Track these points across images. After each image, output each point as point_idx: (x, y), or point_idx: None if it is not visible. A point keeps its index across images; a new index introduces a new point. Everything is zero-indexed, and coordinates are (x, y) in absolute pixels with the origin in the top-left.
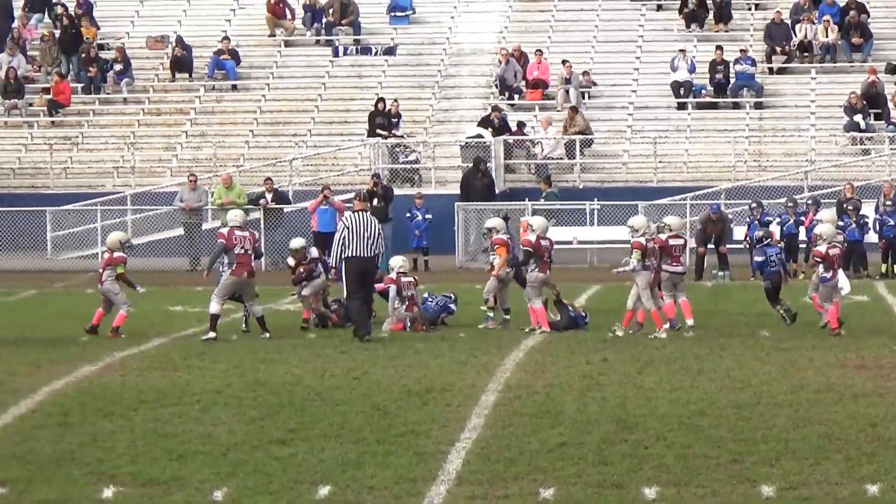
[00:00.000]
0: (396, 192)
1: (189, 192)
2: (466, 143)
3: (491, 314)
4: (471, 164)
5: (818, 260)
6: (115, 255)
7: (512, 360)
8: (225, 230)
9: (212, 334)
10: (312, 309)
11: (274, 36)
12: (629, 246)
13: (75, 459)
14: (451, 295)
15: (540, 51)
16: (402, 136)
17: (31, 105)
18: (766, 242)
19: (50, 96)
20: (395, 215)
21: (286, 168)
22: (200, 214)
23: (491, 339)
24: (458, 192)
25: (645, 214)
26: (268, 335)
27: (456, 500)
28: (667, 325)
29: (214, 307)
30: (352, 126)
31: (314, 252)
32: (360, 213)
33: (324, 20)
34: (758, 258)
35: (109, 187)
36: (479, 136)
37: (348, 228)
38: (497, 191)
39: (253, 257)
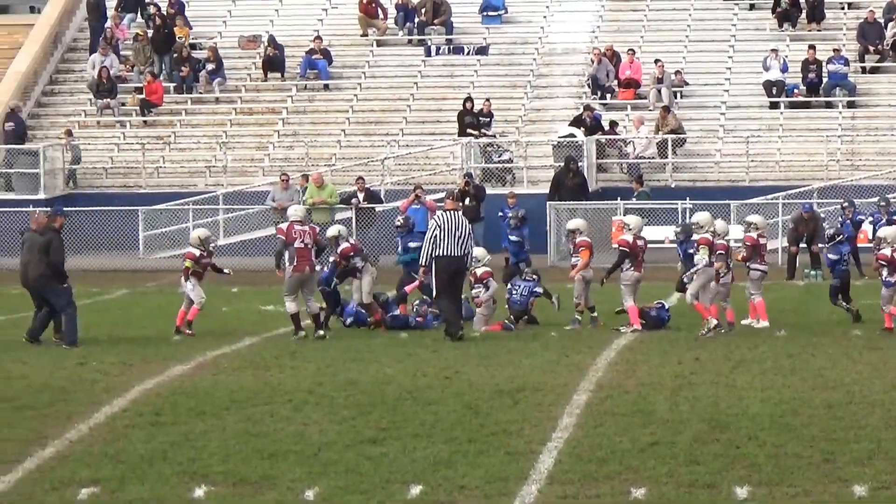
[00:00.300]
0: (489, 191)
1: (281, 191)
2: (558, 142)
3: (579, 317)
4: (562, 164)
5: (882, 263)
6: (188, 250)
7: (604, 359)
8: (284, 225)
9: (301, 333)
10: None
11: (366, 35)
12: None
13: (167, 458)
14: (535, 277)
15: (632, 50)
16: (494, 136)
17: (123, 105)
18: (838, 240)
19: (142, 96)
20: (487, 215)
21: (378, 167)
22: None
23: (583, 339)
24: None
25: (737, 214)
26: (321, 333)
27: (547, 499)
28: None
29: (290, 306)
30: (444, 125)
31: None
32: (452, 212)
33: (416, 20)
34: (831, 256)
35: (201, 187)
36: (572, 135)
37: (440, 227)
38: (589, 190)
39: (314, 252)
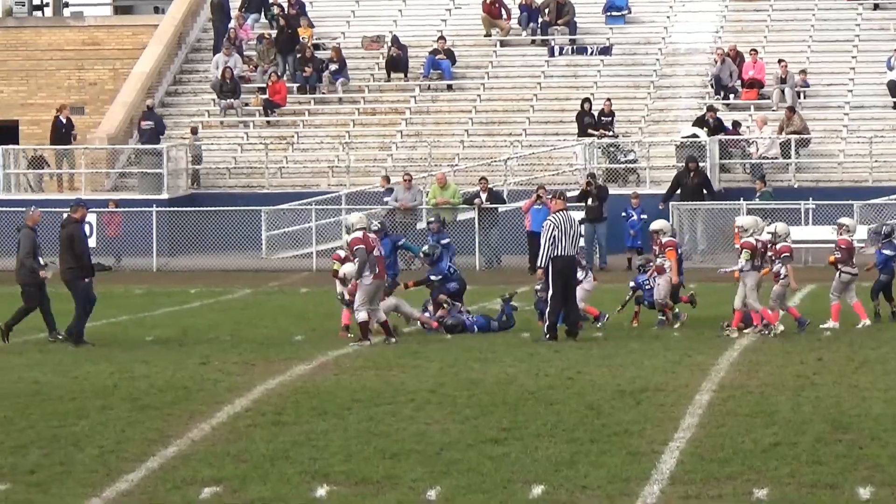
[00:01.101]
0: (612, 191)
1: (403, 191)
2: (681, 142)
3: (663, 318)
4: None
5: None
6: (335, 252)
7: (726, 359)
8: (359, 234)
9: (366, 342)
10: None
11: (489, 36)
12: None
13: (289, 458)
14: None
15: (755, 50)
16: (616, 136)
17: (246, 105)
18: (892, 238)
19: (266, 96)
20: (611, 215)
21: (501, 167)
22: (415, 214)
23: (705, 339)
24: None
25: (860, 214)
26: (393, 340)
27: (669, 499)
28: (781, 327)
29: (362, 315)
30: (567, 126)
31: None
32: (563, 212)
33: (539, 20)
34: (887, 252)
35: (324, 187)
36: (694, 135)
37: (558, 228)
38: (714, 189)
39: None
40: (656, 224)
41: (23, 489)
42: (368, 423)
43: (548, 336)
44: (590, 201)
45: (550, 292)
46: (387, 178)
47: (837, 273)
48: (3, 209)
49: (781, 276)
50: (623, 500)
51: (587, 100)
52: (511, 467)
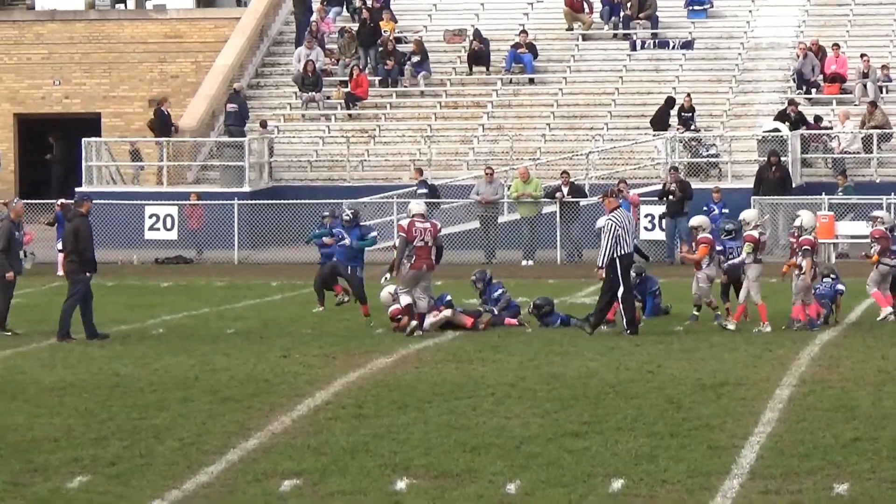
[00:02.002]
0: (694, 186)
1: (486, 185)
2: (763, 137)
3: (696, 313)
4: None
5: None
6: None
7: (807, 354)
8: (405, 222)
9: (413, 323)
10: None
11: (571, 29)
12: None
13: (369, 451)
14: (834, 275)
15: (838, 45)
16: (698, 130)
17: (328, 98)
18: None
19: (347, 89)
20: (693, 209)
21: (582, 161)
22: (497, 207)
23: (785, 333)
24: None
25: None
26: (417, 329)
27: (749, 494)
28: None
29: (405, 299)
30: (648, 120)
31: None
32: (620, 209)
33: (621, 14)
34: None
35: (406, 180)
36: (776, 130)
37: (621, 226)
38: (793, 185)
39: (434, 251)
40: (695, 220)
41: (103, 481)
42: (449, 417)
43: (629, 331)
44: (671, 196)
45: (622, 289)
46: (419, 171)
47: (875, 265)
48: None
49: (801, 270)
50: (703, 494)
51: (671, 99)
52: (591, 461)
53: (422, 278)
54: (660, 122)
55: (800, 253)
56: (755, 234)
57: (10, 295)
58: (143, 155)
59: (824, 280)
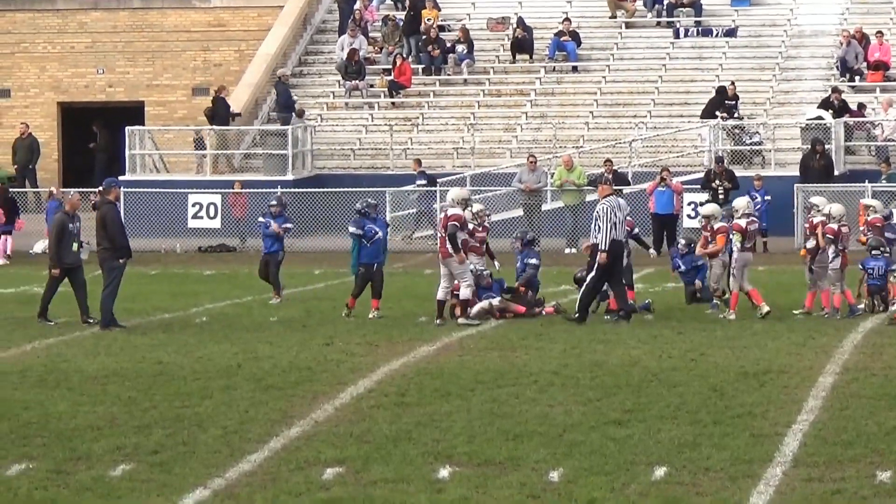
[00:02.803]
0: (738, 173)
1: (528, 173)
2: (806, 124)
3: (718, 302)
4: (809, 146)
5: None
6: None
7: (850, 341)
8: (454, 210)
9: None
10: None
11: (615, 17)
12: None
13: (412, 439)
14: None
15: (881, 32)
16: (741, 118)
17: (371, 86)
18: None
19: (391, 77)
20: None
21: (626, 149)
22: (540, 195)
23: (829, 321)
24: (797, 173)
25: None
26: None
27: (792, 482)
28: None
29: (465, 292)
30: (692, 108)
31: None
32: (613, 196)
33: (665, 2)
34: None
35: (449, 168)
36: (819, 117)
37: (615, 214)
38: (836, 172)
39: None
40: (706, 209)
41: (146, 469)
42: (491, 405)
43: (578, 315)
44: (718, 190)
45: (593, 275)
46: (418, 162)
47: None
48: (129, 190)
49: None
50: (745, 481)
51: (723, 88)
52: (634, 449)
53: (443, 266)
54: (711, 112)
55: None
56: (742, 223)
57: (55, 288)
58: (185, 143)
59: (874, 255)
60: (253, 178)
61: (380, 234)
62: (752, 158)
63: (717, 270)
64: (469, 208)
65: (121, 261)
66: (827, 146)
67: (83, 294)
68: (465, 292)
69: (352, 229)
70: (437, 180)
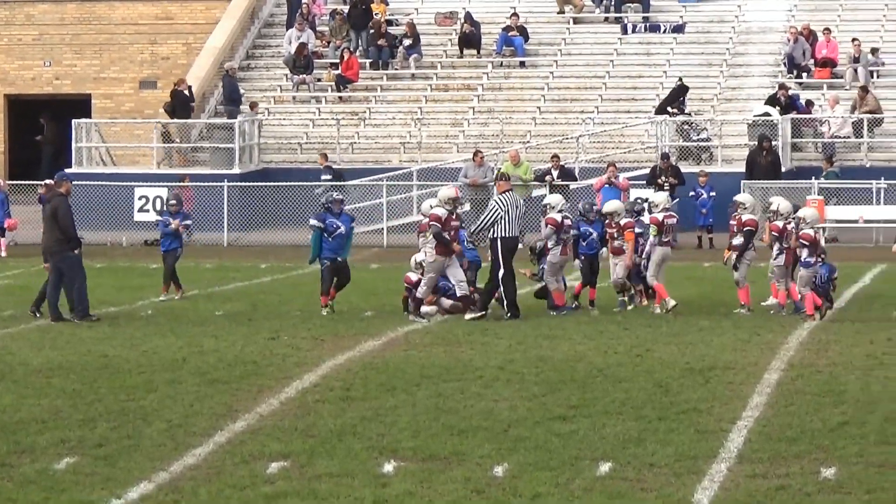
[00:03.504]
0: (684, 169)
1: (474, 168)
2: (753, 121)
3: (624, 299)
4: (756, 143)
5: (804, 243)
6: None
7: (795, 338)
8: (433, 211)
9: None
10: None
11: (563, 13)
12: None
13: (357, 433)
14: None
15: (829, 29)
16: (689, 114)
17: (319, 80)
18: None
19: (338, 72)
20: (680, 193)
21: (573, 145)
22: (486, 190)
23: (774, 318)
24: (744, 170)
25: None
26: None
27: (737, 478)
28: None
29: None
30: (639, 104)
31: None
32: (509, 193)
33: None
34: None
35: (396, 162)
36: (767, 114)
37: (504, 209)
38: (783, 169)
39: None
40: (609, 206)
41: (90, 462)
42: (437, 400)
43: (509, 314)
44: (664, 185)
45: (502, 271)
46: (324, 156)
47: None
48: (76, 183)
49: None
50: (690, 478)
51: (684, 86)
52: (578, 444)
53: (441, 265)
54: (665, 108)
55: (772, 239)
56: (659, 216)
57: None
58: (132, 136)
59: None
60: (200, 172)
61: (342, 228)
62: (700, 155)
63: (620, 269)
64: (461, 207)
65: (75, 251)
66: (774, 143)
67: (57, 290)
68: (422, 291)
69: (312, 222)
70: (343, 174)
